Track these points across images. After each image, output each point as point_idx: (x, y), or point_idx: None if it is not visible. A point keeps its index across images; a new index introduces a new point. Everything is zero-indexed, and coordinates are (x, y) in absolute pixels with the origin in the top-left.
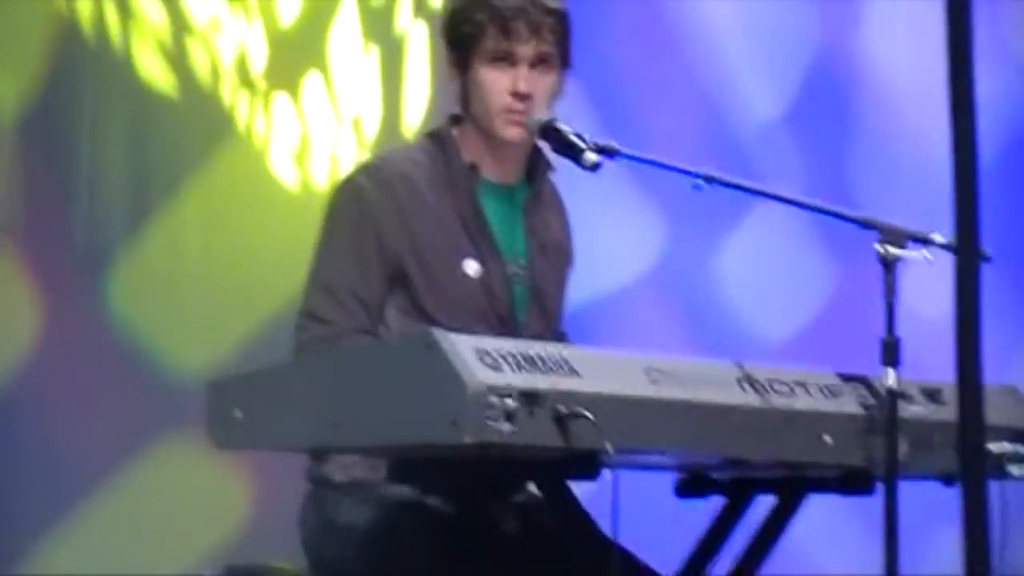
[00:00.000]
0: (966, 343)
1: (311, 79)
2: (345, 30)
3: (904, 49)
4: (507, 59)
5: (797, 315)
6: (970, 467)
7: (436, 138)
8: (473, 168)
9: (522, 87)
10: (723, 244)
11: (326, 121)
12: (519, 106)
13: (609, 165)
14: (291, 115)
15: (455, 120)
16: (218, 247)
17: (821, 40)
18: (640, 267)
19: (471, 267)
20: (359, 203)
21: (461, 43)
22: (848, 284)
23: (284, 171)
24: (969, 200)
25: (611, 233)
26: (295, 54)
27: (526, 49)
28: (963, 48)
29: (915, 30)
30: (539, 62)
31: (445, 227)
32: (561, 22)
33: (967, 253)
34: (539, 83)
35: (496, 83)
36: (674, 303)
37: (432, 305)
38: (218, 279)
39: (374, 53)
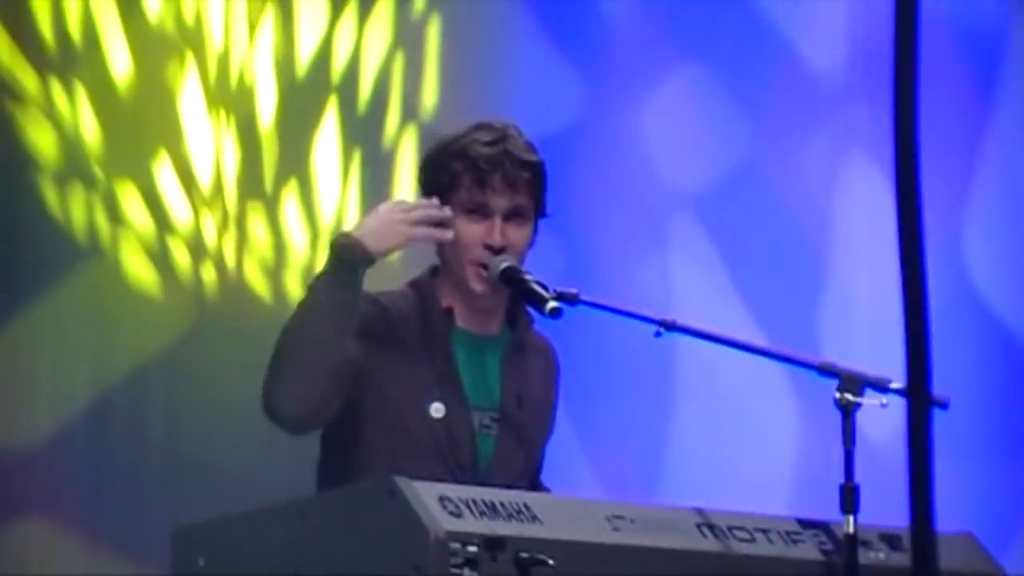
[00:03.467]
0: (919, 490)
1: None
2: (327, 136)
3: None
4: (481, 210)
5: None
6: None
7: (416, 286)
8: (449, 313)
9: (496, 240)
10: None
11: (302, 232)
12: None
13: None
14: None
15: (434, 272)
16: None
17: None
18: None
19: (436, 409)
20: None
21: (437, 192)
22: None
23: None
24: (920, 346)
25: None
26: (273, 162)
27: (501, 201)
28: (911, 187)
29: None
30: (514, 215)
31: (416, 367)
32: (537, 174)
33: (919, 400)
34: (513, 235)
35: (470, 235)
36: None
37: (393, 442)
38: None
39: (356, 161)
